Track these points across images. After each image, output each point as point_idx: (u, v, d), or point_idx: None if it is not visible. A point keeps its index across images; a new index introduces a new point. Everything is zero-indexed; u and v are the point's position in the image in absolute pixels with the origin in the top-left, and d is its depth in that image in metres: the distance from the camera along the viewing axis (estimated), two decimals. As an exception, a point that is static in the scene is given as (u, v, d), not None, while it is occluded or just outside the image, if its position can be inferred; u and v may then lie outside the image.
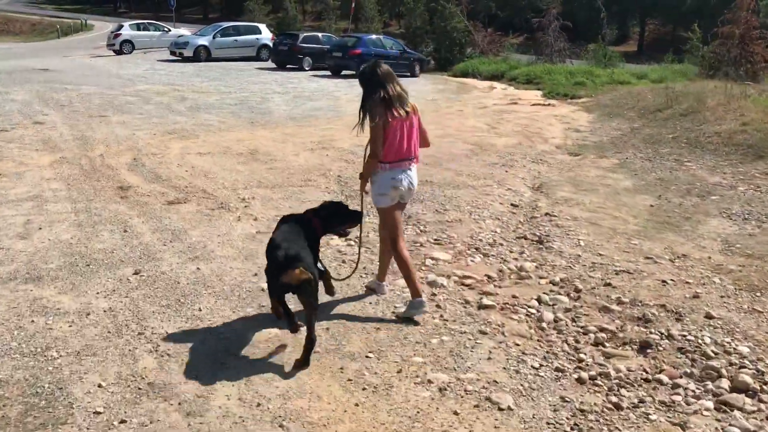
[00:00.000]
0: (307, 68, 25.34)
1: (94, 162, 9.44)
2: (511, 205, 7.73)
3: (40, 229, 6.34)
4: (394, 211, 4.32)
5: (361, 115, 4.24)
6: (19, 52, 33.89)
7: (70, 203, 7.27)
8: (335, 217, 4.21)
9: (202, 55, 26.79)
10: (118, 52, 30.32)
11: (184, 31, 33.12)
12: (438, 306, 4.58)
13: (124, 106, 15.10)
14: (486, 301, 4.69)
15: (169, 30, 32.42)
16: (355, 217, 4.32)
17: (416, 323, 4.22)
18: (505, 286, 5.12)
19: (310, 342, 3.58)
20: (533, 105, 17.63)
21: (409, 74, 24.66)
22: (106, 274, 5.18)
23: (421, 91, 20.75)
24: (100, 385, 3.42)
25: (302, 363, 3.59)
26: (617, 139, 12.67)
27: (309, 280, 3.49)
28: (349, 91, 19.58)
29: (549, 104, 17.92)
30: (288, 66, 25.52)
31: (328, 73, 24.52)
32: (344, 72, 24.27)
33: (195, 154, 10.12)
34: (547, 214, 7.24)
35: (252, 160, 9.90)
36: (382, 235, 4.51)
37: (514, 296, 4.89)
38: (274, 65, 25.70)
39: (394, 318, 4.32)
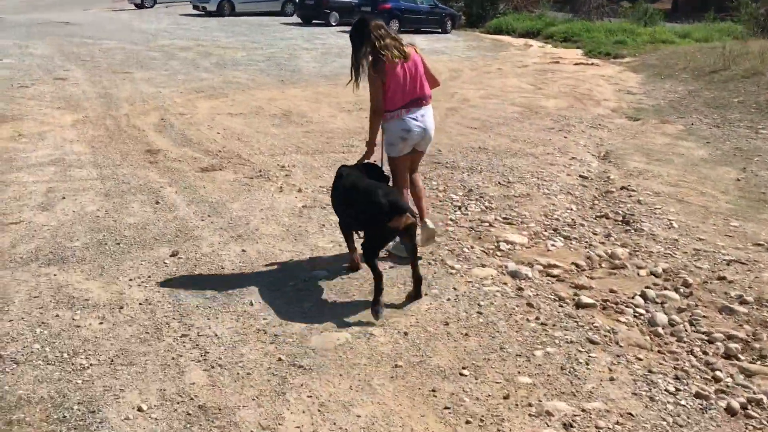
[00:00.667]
0: (333, 24, 24.30)
1: (119, 122, 8.76)
2: (580, 176, 6.95)
3: (63, 198, 5.69)
4: (402, 162, 4.21)
5: (353, 73, 4.09)
6: (40, 5, 33.05)
7: (95, 168, 6.61)
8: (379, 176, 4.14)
9: (225, 9, 25.80)
10: (140, 6, 29.39)
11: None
12: (530, 305, 3.87)
13: (148, 62, 14.36)
14: (584, 298, 3.98)
15: (192, -17, 31.33)
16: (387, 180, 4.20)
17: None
18: (598, 278, 4.40)
19: (420, 279, 3.79)
20: (576, 64, 16.60)
21: (440, 30, 23.58)
22: (139, 255, 4.53)
23: (455, 47, 19.72)
24: (140, 409, 2.78)
25: (415, 295, 3.82)
26: (676, 103, 11.71)
27: (414, 223, 3.68)
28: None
29: (592, 63, 16.88)
30: (314, 21, 24.49)
31: (357, 28, 23.49)
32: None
33: (225, 115, 9.39)
34: (624, 188, 6.45)
35: (287, 122, 9.16)
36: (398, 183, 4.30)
37: (612, 291, 4.17)
38: (299, 20, 24.68)
39: (481, 321, 3.62)
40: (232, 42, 18.59)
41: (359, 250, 3.93)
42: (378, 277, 3.57)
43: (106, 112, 9.31)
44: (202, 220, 5.26)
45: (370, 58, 4.01)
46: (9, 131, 8.02)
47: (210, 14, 25.83)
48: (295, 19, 25.34)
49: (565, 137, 8.76)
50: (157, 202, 5.65)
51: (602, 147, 8.35)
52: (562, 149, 8.07)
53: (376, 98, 4.02)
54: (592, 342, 3.45)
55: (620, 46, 19.15)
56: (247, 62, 14.91)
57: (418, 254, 3.99)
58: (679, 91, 12.84)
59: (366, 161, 4.27)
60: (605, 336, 3.52)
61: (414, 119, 4.06)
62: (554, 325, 3.61)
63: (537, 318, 3.70)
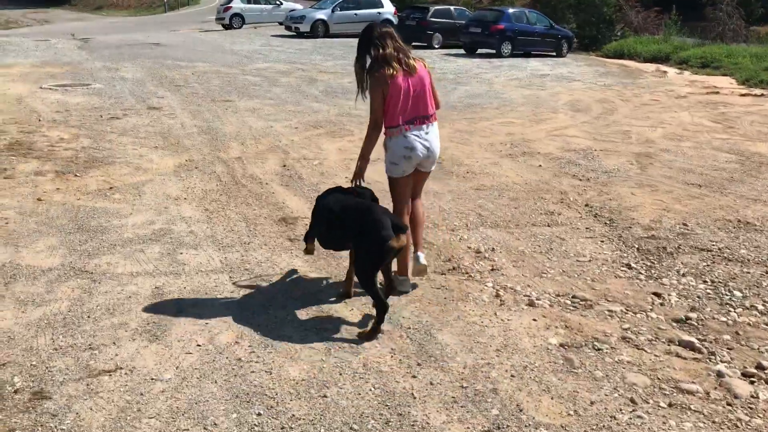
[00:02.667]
0: (436, 46, 22.32)
1: (232, 170, 6.84)
2: None
3: (180, 313, 3.68)
4: (404, 183, 3.88)
5: (358, 82, 3.76)
6: (128, 26, 32.58)
7: (216, 250, 4.62)
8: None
9: (319, 30, 24.22)
10: (228, 27, 28.27)
11: (296, 4, 30.72)
12: None
13: (248, 88, 12.61)
14: None
15: (281, 3, 30.05)
16: None
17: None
18: None
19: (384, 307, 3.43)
20: (743, 95, 13.94)
21: (555, 54, 21.23)
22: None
23: (583, 73, 17.31)
24: None
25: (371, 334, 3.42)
26: None
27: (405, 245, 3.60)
28: (498, 74, 16.46)
29: (761, 95, 14.17)
30: (414, 43, 22.56)
31: (461, 51, 21.41)
32: (480, 50, 21.11)
33: (362, 161, 7.33)
34: None
35: (442, 172, 7.04)
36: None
37: None
38: (397, 42, 22.76)
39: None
40: (333, 66, 16.79)
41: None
42: (381, 308, 3.39)
43: (213, 155, 7.42)
44: (417, 380, 3.12)
45: (373, 66, 3.71)
46: (99, 181, 6.20)
47: (302, 35, 24.31)
48: (392, 41, 23.48)
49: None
50: (330, 338, 3.55)
51: None
52: None
53: (375, 110, 3.71)
54: None
55: (777, 74, 16.33)
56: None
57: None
58: None
59: (358, 185, 3.88)
60: None
61: (417, 136, 3.77)
62: None
63: None
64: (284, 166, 7.10)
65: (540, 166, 7.48)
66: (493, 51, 20.27)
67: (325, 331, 3.54)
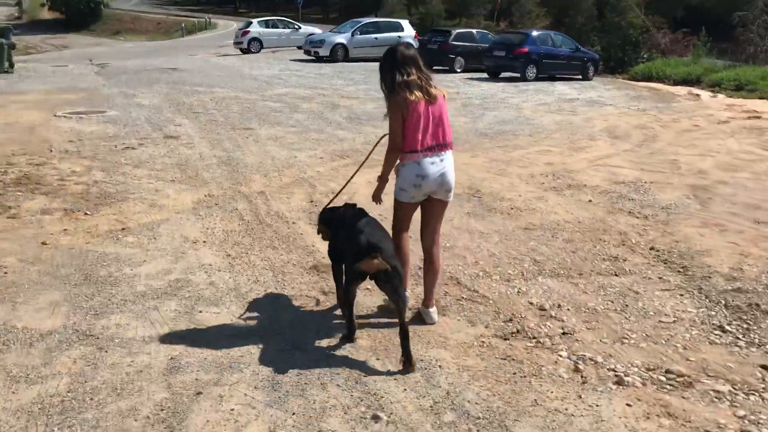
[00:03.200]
0: (458, 69, 21.80)
1: (255, 206, 6.27)
2: None
3: (200, 395, 3.06)
4: (409, 209, 3.77)
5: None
6: (145, 51, 32.53)
7: (241, 308, 4.02)
8: None
9: (339, 54, 23.82)
10: (246, 51, 28.02)
11: (314, 28, 30.47)
12: None
13: (268, 114, 12.11)
14: None
15: (299, 27, 29.78)
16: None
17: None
18: None
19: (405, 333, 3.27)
20: (787, 120, 13.22)
21: (581, 77, 20.63)
22: None
23: (613, 97, 16.68)
24: None
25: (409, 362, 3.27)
26: None
27: (388, 270, 3.25)
28: (525, 98, 15.87)
29: (806, 119, 13.44)
30: (436, 67, 22.07)
31: (484, 75, 20.88)
32: (503, 74, 20.57)
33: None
34: None
35: (483, 208, 6.43)
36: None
37: None
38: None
39: None
40: (355, 91, 16.30)
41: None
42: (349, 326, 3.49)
43: (234, 189, 6.87)
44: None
45: (396, 88, 3.60)
46: (110, 221, 5.64)
47: (322, 60, 23.93)
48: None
49: None
50: (375, 417, 2.91)
51: None
52: None
53: (394, 133, 3.60)
54: None
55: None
56: (382, 115, 12.41)
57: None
58: None
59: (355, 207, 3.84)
60: None
61: (432, 164, 3.63)
62: None
63: None
64: (311, 201, 6.52)
65: (590, 201, 6.84)
66: (518, 75, 19.72)
67: (376, 422, 2.90)
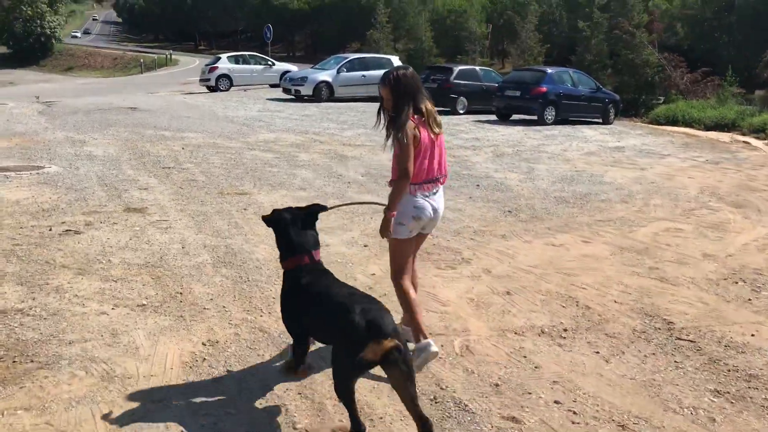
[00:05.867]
0: (461, 111, 19.24)
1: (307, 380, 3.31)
2: None
3: None
4: (408, 246, 3.62)
5: (389, 132, 3.51)
6: (100, 88, 29.32)
7: None
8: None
9: (323, 93, 21.04)
10: (213, 89, 25.08)
11: (290, 65, 27.72)
12: None
13: (262, 169, 9.25)
14: None
15: (273, 64, 26.96)
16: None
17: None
18: None
19: (426, 420, 2.70)
20: None
21: (601, 120, 18.32)
22: None
23: (659, 145, 14.26)
24: None
25: None
26: None
27: (397, 347, 2.69)
28: (564, 146, 13.35)
29: None
30: (436, 108, 19.49)
31: (491, 117, 18.37)
32: (514, 116, 18.12)
33: (515, 335, 3.91)
34: None
35: (716, 372, 3.60)
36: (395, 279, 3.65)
37: None
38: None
39: None
40: (355, 136, 13.54)
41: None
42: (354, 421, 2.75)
43: (252, 323, 3.96)
44: None
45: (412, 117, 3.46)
46: (22, 425, 2.62)
47: (303, 99, 21.15)
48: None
49: None
50: None
51: None
52: None
53: (406, 161, 3.42)
54: None
55: None
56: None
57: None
58: None
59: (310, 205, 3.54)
60: None
61: (426, 197, 3.56)
62: None
63: None
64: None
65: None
66: (533, 117, 17.28)
67: None
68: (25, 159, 9.34)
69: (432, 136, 3.50)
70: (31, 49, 52.67)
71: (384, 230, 3.53)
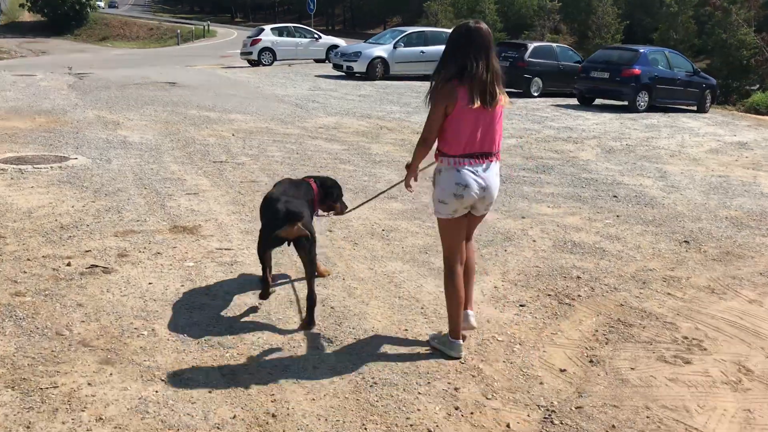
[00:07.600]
0: (535, 93, 17.15)
1: None
2: None
3: None
4: (455, 226, 3.26)
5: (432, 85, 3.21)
6: (135, 60, 27.75)
7: None
8: (334, 191, 4.02)
9: (377, 70, 19.09)
10: (255, 63, 23.24)
11: (337, 39, 25.74)
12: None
13: (335, 167, 7.49)
14: None
15: (319, 37, 25.03)
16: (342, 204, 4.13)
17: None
18: None
19: (313, 300, 3.47)
20: None
21: (695, 108, 16.09)
22: None
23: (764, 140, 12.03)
24: None
25: (308, 323, 3.47)
26: None
27: (306, 236, 3.44)
28: (677, 140, 11.27)
29: None
30: (506, 90, 17.41)
31: (571, 101, 16.27)
32: (597, 101, 16.02)
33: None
34: None
35: None
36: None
37: None
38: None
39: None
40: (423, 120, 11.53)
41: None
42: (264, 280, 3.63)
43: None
44: None
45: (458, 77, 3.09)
46: None
47: (355, 76, 19.23)
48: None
49: None
50: None
51: None
52: None
53: (430, 126, 3.15)
54: None
55: None
56: (531, 172, 7.73)
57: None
58: None
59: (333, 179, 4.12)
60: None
61: (473, 173, 3.16)
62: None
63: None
64: None
65: None
66: (623, 103, 15.15)
67: None
68: (48, 146, 7.68)
69: (485, 106, 3.06)
70: (65, 18, 51.33)
71: (407, 184, 3.40)
